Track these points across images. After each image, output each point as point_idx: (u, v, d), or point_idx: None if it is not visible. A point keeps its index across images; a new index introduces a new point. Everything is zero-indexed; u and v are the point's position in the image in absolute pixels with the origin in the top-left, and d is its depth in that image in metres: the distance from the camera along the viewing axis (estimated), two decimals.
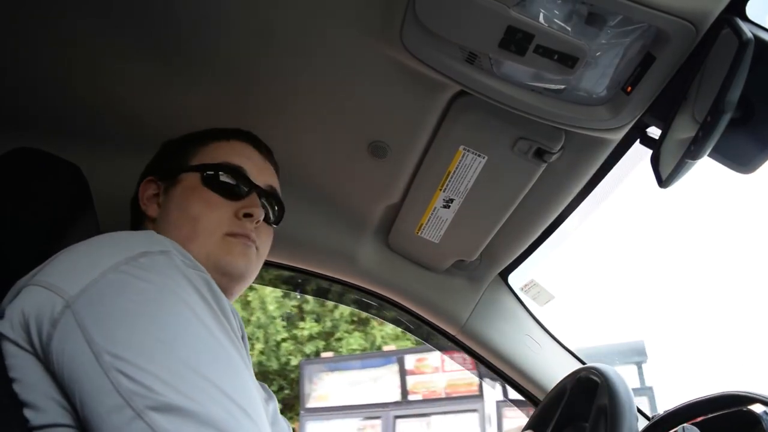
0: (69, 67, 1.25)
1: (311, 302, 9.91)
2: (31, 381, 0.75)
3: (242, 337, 0.86)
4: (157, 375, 0.70)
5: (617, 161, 1.23)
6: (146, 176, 1.20)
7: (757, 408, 1.09)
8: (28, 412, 0.74)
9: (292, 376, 9.59)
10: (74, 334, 0.73)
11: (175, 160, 1.18)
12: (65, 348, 0.73)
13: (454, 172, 1.30)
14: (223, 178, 1.14)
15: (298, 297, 9.63)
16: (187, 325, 0.76)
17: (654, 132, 1.11)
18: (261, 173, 1.19)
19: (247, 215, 1.11)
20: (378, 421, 7.33)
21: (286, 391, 9.57)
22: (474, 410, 6.83)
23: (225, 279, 1.08)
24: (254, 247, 1.13)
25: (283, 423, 1.08)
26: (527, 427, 1.45)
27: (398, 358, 7.67)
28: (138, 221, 1.17)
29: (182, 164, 1.17)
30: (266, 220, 1.17)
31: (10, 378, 0.76)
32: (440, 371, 7.32)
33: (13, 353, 0.77)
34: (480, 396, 6.81)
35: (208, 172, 1.14)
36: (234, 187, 1.14)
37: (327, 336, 10.03)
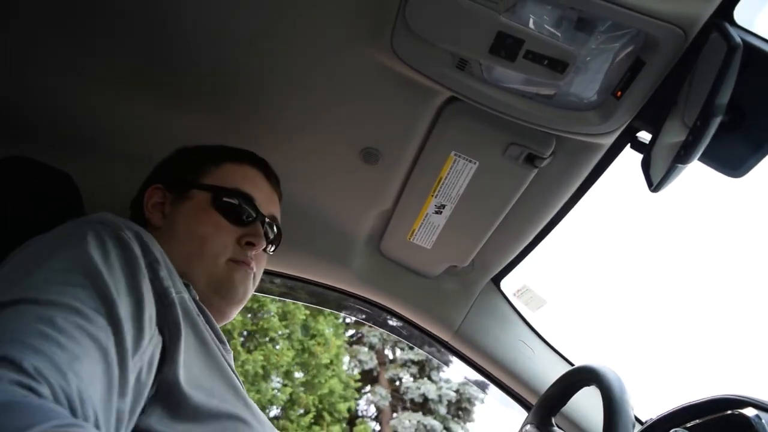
0: (63, 80, 1.25)
1: None
2: None
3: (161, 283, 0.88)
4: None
5: (608, 166, 1.23)
6: (152, 182, 1.20)
7: (749, 411, 1.09)
8: None
9: None
10: None
11: (187, 174, 1.20)
12: None
13: (446, 177, 1.30)
14: (233, 203, 1.18)
15: None
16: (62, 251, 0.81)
17: (644, 136, 1.11)
18: (268, 203, 1.24)
19: (249, 243, 1.16)
20: None
21: None
22: None
23: (224, 302, 1.14)
24: (252, 274, 1.18)
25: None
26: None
27: None
28: (146, 222, 1.17)
29: (194, 180, 1.19)
30: (264, 248, 1.21)
31: None
32: None
33: None
34: None
35: (220, 196, 1.17)
36: (241, 214, 1.18)
37: None
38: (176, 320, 0.87)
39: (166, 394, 0.81)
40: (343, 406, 11.94)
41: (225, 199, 1.17)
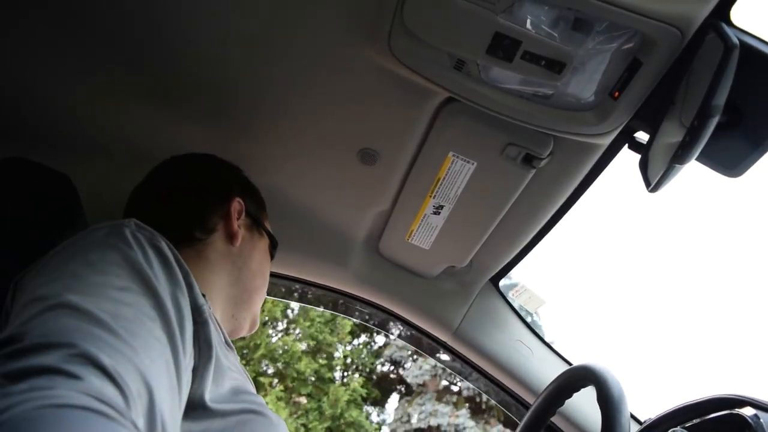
0: (61, 82, 1.25)
1: None
2: None
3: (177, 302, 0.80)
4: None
5: (606, 166, 1.24)
6: (230, 189, 1.18)
7: (747, 411, 1.10)
8: None
9: None
10: (20, 294, 0.75)
11: (257, 208, 1.24)
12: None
13: (444, 178, 1.30)
14: (272, 257, 1.28)
15: None
16: (102, 264, 0.74)
17: (642, 137, 1.12)
18: None
19: None
20: None
21: None
22: None
23: (250, 329, 1.21)
24: None
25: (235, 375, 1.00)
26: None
27: None
28: (205, 228, 1.11)
29: (261, 218, 1.24)
30: None
31: None
32: None
33: None
34: None
35: (274, 247, 1.27)
36: None
37: None
38: (208, 338, 0.85)
39: (189, 409, 0.78)
40: (307, 367, 11.59)
41: (274, 251, 1.27)
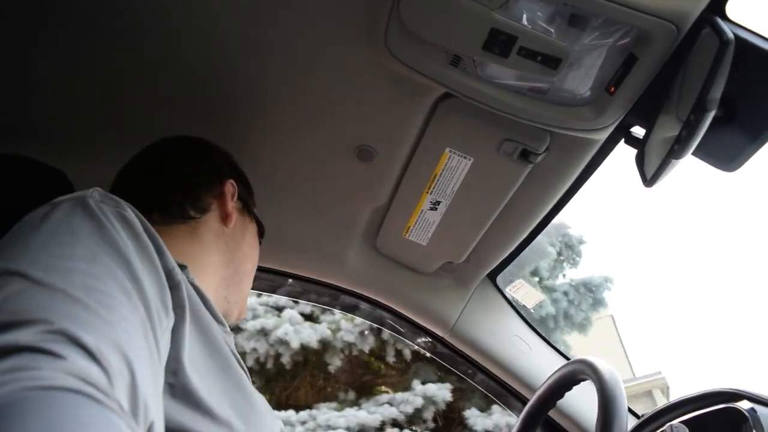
0: (53, 76, 1.24)
1: None
2: None
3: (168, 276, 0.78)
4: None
5: (602, 161, 1.24)
6: (223, 170, 1.18)
7: (744, 404, 1.10)
8: None
9: None
10: None
11: (248, 193, 1.25)
12: None
13: (441, 174, 1.30)
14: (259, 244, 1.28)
15: None
16: (69, 235, 0.69)
17: (638, 131, 1.12)
18: None
19: None
20: None
21: None
22: None
23: (238, 317, 1.20)
24: None
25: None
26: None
27: None
28: (199, 207, 1.10)
29: (251, 204, 1.24)
30: None
31: None
32: None
33: None
34: None
35: (262, 234, 1.28)
36: None
37: None
38: (182, 302, 0.80)
39: (167, 379, 0.74)
40: None
41: (262, 239, 1.28)
